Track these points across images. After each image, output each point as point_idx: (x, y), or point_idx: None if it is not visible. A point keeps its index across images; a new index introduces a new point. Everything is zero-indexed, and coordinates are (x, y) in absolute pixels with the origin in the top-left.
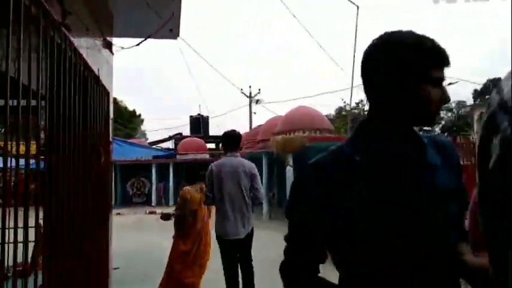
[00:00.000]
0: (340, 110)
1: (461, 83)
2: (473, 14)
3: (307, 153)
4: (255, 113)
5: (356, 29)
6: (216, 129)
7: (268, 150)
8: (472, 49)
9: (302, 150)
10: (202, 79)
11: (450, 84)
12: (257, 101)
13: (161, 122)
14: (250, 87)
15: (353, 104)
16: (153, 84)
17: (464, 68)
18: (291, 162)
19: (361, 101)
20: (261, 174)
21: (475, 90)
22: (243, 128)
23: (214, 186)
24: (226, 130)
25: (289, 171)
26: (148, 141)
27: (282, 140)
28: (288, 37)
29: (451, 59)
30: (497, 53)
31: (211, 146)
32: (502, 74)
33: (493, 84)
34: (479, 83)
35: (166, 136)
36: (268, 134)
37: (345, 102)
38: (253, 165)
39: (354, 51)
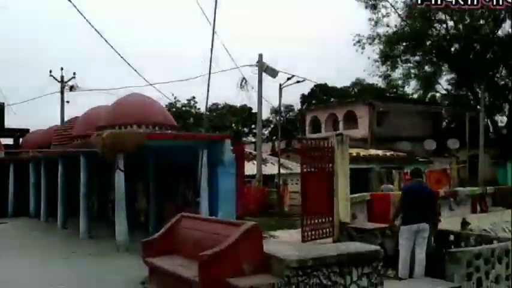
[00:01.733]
0: (170, 107)
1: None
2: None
3: (144, 154)
4: (67, 101)
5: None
6: (14, 119)
7: (88, 149)
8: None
9: (138, 150)
10: None
11: (298, 82)
12: (71, 88)
13: None
14: (62, 69)
15: (184, 101)
16: None
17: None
18: (121, 165)
19: (193, 97)
20: (77, 179)
21: (303, 95)
22: (53, 121)
23: None
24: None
25: (120, 176)
26: None
27: (110, 136)
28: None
29: None
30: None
31: (7, 141)
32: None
33: (320, 88)
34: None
35: None
36: (89, 128)
37: (175, 97)
38: None
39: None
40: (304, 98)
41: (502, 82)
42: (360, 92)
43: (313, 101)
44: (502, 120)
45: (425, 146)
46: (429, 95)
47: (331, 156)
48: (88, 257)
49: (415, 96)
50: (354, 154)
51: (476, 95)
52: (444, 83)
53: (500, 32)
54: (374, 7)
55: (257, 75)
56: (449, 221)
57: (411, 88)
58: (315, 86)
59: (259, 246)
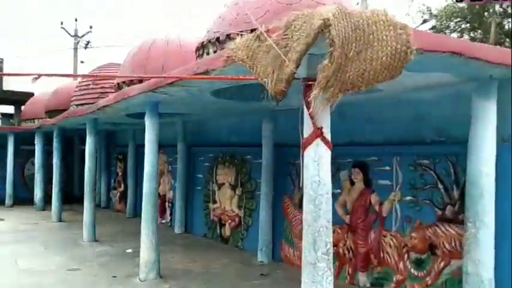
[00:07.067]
0: None
1: None
2: None
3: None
4: (82, 61)
5: None
6: (16, 82)
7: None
8: None
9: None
10: None
11: None
12: (87, 44)
13: None
14: (76, 20)
15: None
16: None
17: None
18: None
19: None
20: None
21: None
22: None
23: None
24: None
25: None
26: None
27: (342, 20)
28: None
29: None
30: None
31: (7, 109)
32: None
33: None
34: None
35: None
36: (155, 67)
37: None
38: None
39: None
40: None
41: None
42: None
43: None
44: None
45: None
46: None
47: None
48: None
49: None
50: None
51: None
52: None
53: None
54: None
55: None
56: None
57: None
58: None
59: None
